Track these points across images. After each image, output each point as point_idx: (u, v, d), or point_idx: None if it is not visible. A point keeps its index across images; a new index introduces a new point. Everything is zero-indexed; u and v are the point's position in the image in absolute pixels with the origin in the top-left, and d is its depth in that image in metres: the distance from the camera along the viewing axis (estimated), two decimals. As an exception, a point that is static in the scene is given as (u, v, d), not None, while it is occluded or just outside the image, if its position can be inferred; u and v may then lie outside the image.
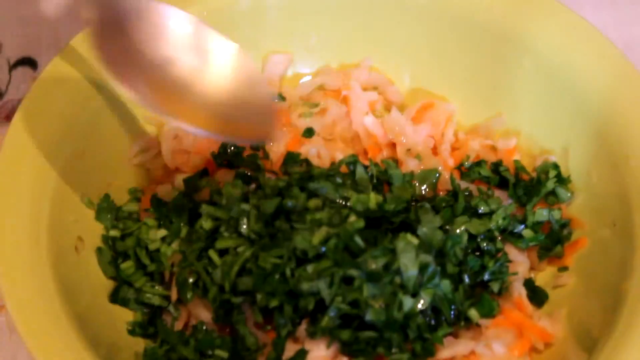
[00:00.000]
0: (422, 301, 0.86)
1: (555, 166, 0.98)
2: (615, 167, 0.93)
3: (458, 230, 0.91)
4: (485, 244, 0.92)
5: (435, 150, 1.01)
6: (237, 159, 0.97)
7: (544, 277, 0.96)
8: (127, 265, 0.92)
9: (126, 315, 0.92)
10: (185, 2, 0.95)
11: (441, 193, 0.96)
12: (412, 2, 1.03)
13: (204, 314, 0.89)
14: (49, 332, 0.81)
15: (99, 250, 0.93)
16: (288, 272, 0.86)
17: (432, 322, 0.87)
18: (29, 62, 1.11)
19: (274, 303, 0.85)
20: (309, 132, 1.01)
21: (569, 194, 0.97)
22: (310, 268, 0.85)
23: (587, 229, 0.95)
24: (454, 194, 0.94)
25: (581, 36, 0.98)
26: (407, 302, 0.84)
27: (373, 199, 0.90)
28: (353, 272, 0.84)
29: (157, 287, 0.92)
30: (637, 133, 0.92)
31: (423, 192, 0.96)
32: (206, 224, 0.90)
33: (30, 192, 0.88)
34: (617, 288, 0.86)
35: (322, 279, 0.85)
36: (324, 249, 0.86)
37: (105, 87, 0.96)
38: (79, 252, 0.92)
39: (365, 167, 0.96)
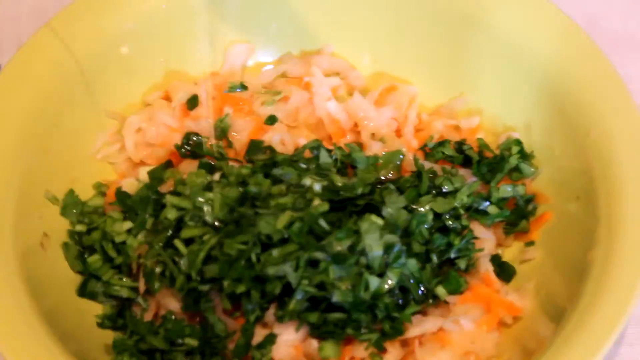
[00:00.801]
0: (389, 281, 0.87)
1: (518, 142, 0.99)
2: (576, 141, 0.94)
3: (423, 210, 0.91)
4: (450, 222, 0.93)
5: (399, 133, 1.02)
6: (200, 149, 0.98)
7: (511, 253, 0.97)
8: (94, 259, 0.93)
9: (95, 309, 0.93)
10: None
11: (406, 174, 0.97)
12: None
13: (172, 304, 0.90)
14: (18, 330, 0.82)
15: (65, 245, 0.94)
16: (254, 257, 0.86)
17: (400, 301, 0.89)
18: None
19: (241, 289, 0.86)
20: (271, 120, 1.01)
21: (532, 169, 0.98)
22: (275, 252, 0.86)
23: (552, 203, 0.97)
24: (418, 174, 0.95)
25: (538, 13, 1.00)
26: (374, 282, 0.85)
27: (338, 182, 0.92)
28: (318, 255, 0.85)
29: (124, 279, 0.92)
30: (597, 107, 0.94)
31: (388, 174, 0.97)
32: (171, 214, 0.91)
33: None
34: (583, 259, 0.88)
35: (288, 263, 0.85)
36: (288, 233, 0.86)
37: (67, 83, 0.97)
38: (45, 248, 0.92)
39: (329, 151, 0.96)
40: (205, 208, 0.91)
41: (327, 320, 0.87)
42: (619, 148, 0.91)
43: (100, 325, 0.92)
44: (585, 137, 0.94)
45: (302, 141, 0.98)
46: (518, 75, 1.00)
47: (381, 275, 0.87)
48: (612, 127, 0.93)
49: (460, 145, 0.99)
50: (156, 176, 0.96)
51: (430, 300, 0.90)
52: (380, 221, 0.87)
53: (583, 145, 0.94)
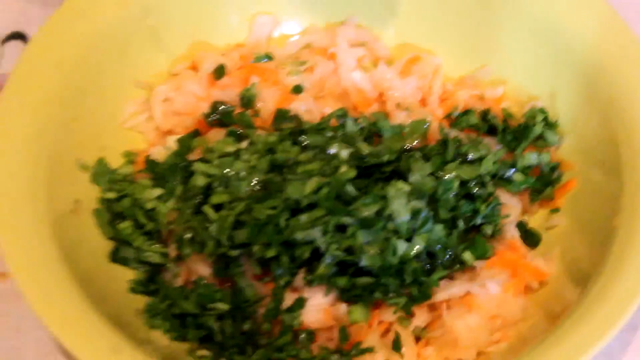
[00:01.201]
0: (416, 246, 0.89)
1: (543, 111, 1.01)
2: (601, 109, 0.96)
3: (449, 177, 0.93)
4: (476, 189, 0.94)
5: (423, 103, 1.04)
6: (228, 118, 1.00)
7: (536, 220, 0.99)
8: (125, 225, 0.94)
9: (126, 274, 0.94)
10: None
11: (432, 143, 0.98)
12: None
13: (202, 269, 0.92)
14: (53, 294, 0.83)
15: (96, 211, 0.95)
16: (282, 222, 0.88)
17: (428, 266, 0.91)
18: (20, 36, 1.13)
19: (270, 253, 0.88)
20: (297, 89, 1.03)
21: (557, 137, 1.00)
22: (304, 217, 0.88)
23: (576, 170, 0.98)
24: (444, 142, 0.97)
25: None
26: (401, 246, 0.88)
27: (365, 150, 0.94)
28: (346, 220, 0.87)
29: (155, 245, 0.94)
30: (621, 75, 0.96)
31: (413, 142, 0.98)
32: (200, 181, 0.93)
33: (26, 158, 0.90)
34: (608, 225, 0.89)
35: (317, 228, 0.88)
36: (316, 198, 0.88)
37: (95, 53, 0.98)
38: (78, 215, 0.93)
39: (355, 120, 0.98)
40: (234, 175, 0.92)
41: (355, 284, 0.89)
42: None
43: (133, 290, 0.93)
44: (610, 106, 0.95)
45: (328, 110, 1.00)
46: (542, 45, 1.01)
47: (409, 240, 0.88)
48: (636, 96, 0.94)
49: (485, 115, 1.01)
50: (184, 144, 0.97)
51: (457, 266, 0.92)
52: (406, 187, 0.89)
53: (607, 113, 0.95)
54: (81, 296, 0.84)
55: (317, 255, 0.89)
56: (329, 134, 0.96)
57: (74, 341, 0.81)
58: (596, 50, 0.97)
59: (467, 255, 0.91)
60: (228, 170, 0.93)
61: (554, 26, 1.00)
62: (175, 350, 0.90)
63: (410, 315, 0.90)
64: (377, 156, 0.93)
